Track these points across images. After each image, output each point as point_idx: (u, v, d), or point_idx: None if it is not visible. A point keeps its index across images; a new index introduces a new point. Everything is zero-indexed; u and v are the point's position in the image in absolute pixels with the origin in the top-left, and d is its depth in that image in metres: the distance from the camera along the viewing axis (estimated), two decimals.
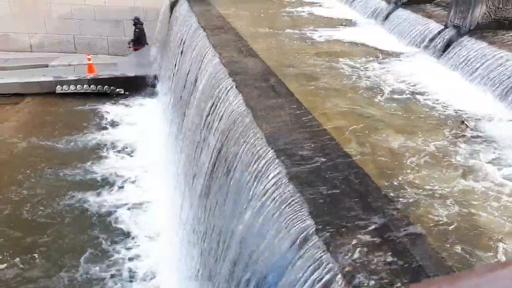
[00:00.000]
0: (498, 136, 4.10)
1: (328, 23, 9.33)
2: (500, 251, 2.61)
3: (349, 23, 9.42)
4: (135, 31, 14.18)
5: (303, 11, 10.77)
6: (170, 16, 12.29)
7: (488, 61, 5.34)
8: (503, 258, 2.54)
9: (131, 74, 12.52)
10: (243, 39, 7.86)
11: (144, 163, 9.03)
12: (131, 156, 9.48)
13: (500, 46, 5.54)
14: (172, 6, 12.34)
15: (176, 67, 9.57)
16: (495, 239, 2.70)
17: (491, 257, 2.53)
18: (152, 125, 10.39)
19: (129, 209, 7.68)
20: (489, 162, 3.63)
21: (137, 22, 14.14)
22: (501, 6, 5.97)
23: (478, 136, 4.14)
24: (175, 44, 10.47)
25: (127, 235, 7.10)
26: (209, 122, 5.94)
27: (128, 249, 6.78)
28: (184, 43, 9.40)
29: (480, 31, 6.07)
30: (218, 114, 5.57)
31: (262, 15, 10.30)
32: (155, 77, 12.14)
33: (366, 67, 6.29)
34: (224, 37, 8.10)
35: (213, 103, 5.95)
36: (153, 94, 12.00)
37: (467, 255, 2.54)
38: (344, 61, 6.54)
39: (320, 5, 11.68)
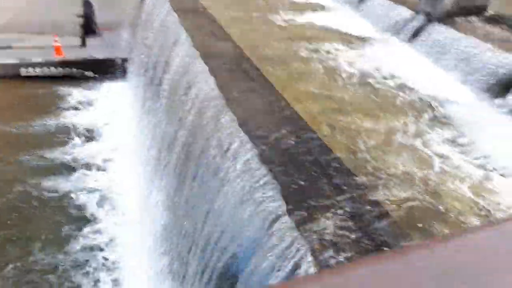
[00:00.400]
0: (460, 118, 4.25)
1: (303, 8, 9.30)
2: (458, 224, 2.73)
3: (324, 8, 9.43)
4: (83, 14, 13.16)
5: None
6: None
7: (456, 46, 5.49)
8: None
9: (100, 56, 12.15)
10: (217, 23, 7.75)
11: (113, 147, 8.85)
12: (97, 140, 9.26)
13: (467, 32, 5.70)
14: None
15: (148, 50, 9.35)
16: (453, 215, 2.82)
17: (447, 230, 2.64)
18: (122, 108, 10.17)
19: (91, 192, 7.49)
20: (451, 142, 3.77)
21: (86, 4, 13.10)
22: None
23: (442, 118, 4.28)
24: (146, 26, 10.21)
25: (92, 220, 6.94)
26: (182, 105, 5.86)
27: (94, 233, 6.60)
28: (156, 25, 9.18)
29: (449, 17, 6.21)
30: (191, 98, 5.51)
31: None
32: (125, 60, 11.83)
33: (339, 52, 6.34)
34: (197, 21, 7.95)
35: (185, 87, 5.88)
36: (123, 77, 11.71)
37: (429, 229, 2.65)
38: (318, 46, 6.56)
39: None
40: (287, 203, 2.81)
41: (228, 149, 3.84)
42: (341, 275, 0.59)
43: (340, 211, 2.75)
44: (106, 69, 11.74)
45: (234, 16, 8.30)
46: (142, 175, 7.26)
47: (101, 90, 11.41)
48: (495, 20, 6.08)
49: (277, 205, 2.86)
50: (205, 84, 5.24)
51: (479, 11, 6.25)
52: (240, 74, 5.31)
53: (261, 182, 3.18)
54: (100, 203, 7.31)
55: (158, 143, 6.65)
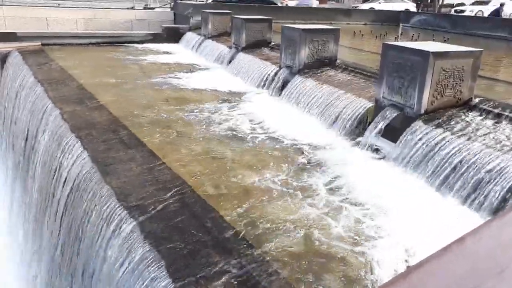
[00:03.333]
0: (329, 160, 4.65)
1: (176, 69, 9.51)
2: (343, 273, 2.87)
3: (196, 68, 9.77)
4: None
5: (151, 59, 10.80)
6: (1, 71, 10.97)
7: (315, 95, 6.11)
8: (350, 281, 2.80)
9: None
10: (87, 91, 7.44)
11: None
12: None
13: (323, 81, 6.41)
14: (3, 60, 11.07)
15: (11, 126, 8.46)
16: (338, 260, 2.97)
17: (338, 280, 2.75)
18: None
19: None
20: (325, 186, 4.06)
21: None
22: (320, 47, 6.96)
23: (314, 163, 4.62)
24: (7, 100, 9.32)
25: None
26: (56, 184, 5.33)
27: None
28: (19, 98, 8.43)
29: (307, 69, 6.93)
30: (64, 175, 5.05)
31: (107, 64, 9.96)
32: None
33: (216, 111, 6.54)
34: (65, 90, 7.54)
35: (57, 164, 5.39)
36: None
37: (318, 281, 2.72)
38: (195, 107, 6.69)
39: (168, 53, 11.91)
40: (174, 280, 2.64)
41: (107, 226, 3.54)
42: None
43: (230, 276, 2.67)
44: None
45: (107, 83, 8.08)
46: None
47: None
48: (342, 68, 6.97)
49: (165, 284, 2.67)
50: (78, 157, 4.88)
51: (331, 61, 7.10)
52: (116, 143, 5.07)
53: (146, 260, 2.97)
54: None
55: (31, 230, 5.87)
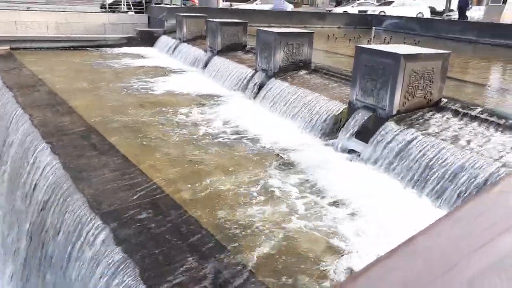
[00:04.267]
0: (304, 162, 4.69)
1: (151, 73, 9.40)
2: (320, 272, 2.89)
3: (172, 72, 9.69)
4: None
5: (126, 63, 10.65)
6: None
7: (291, 97, 6.16)
8: (326, 279, 2.82)
9: None
10: (59, 96, 7.26)
11: None
12: None
13: (298, 84, 6.47)
14: None
15: None
16: (313, 261, 2.99)
17: (311, 281, 2.77)
18: None
19: None
20: (299, 186, 4.09)
21: None
22: (294, 51, 7.02)
23: (289, 165, 4.66)
24: None
25: None
26: (26, 193, 5.17)
27: None
28: None
29: (283, 72, 6.98)
30: (34, 184, 4.90)
31: (80, 69, 9.75)
32: None
33: (192, 114, 6.49)
34: (36, 96, 7.34)
35: (28, 172, 5.23)
36: None
37: (294, 282, 2.73)
38: (170, 110, 6.63)
39: (143, 57, 11.77)
40: (149, 287, 2.60)
41: (79, 237, 3.46)
42: None
43: (206, 281, 2.65)
44: None
45: (78, 88, 7.91)
46: None
47: None
48: (316, 71, 7.05)
49: None
50: (48, 165, 4.75)
51: (305, 64, 7.17)
52: (89, 150, 4.97)
53: (120, 268, 2.91)
54: None
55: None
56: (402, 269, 0.61)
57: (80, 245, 3.44)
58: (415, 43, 10.96)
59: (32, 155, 5.24)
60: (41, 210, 4.36)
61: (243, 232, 3.30)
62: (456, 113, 4.75)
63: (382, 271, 0.60)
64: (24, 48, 11.67)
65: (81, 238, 3.50)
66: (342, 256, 3.06)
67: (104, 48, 12.73)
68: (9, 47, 11.41)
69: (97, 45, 12.78)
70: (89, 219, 3.53)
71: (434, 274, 0.59)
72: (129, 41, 13.27)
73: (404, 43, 10.53)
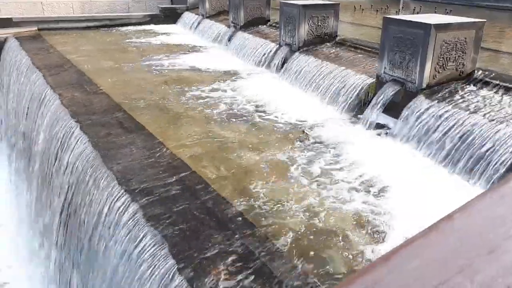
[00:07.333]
0: (331, 138, 4.61)
1: (174, 51, 9.38)
2: (349, 251, 2.87)
3: (195, 49, 9.64)
4: None
5: (150, 41, 10.66)
6: None
7: (316, 72, 6.02)
8: (352, 257, 2.81)
9: None
10: (86, 76, 7.37)
11: None
12: None
13: (323, 58, 6.30)
14: (1, 46, 10.98)
15: (11, 113, 8.44)
16: (341, 238, 2.97)
17: (340, 258, 2.76)
18: None
19: None
20: (327, 164, 4.04)
21: None
22: (319, 24, 6.82)
23: (316, 141, 4.59)
24: (6, 86, 9.27)
25: None
26: (56, 171, 5.34)
27: None
28: (17, 85, 8.38)
29: (307, 46, 6.81)
30: (65, 162, 5.05)
31: (105, 48, 9.84)
32: None
33: (216, 91, 6.47)
34: (64, 76, 7.48)
35: (57, 150, 5.39)
36: None
37: (321, 260, 2.73)
38: (195, 88, 6.62)
39: (166, 34, 11.73)
40: (177, 261, 2.66)
41: (109, 213, 3.55)
42: None
43: (233, 257, 2.69)
44: None
45: (104, 67, 8.00)
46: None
47: None
48: (342, 44, 6.84)
49: (168, 265, 2.69)
50: (79, 143, 4.87)
51: (331, 38, 6.97)
52: (116, 128, 5.05)
53: (150, 242, 2.98)
54: None
55: (34, 217, 5.92)
56: (436, 249, 0.57)
57: (111, 221, 3.54)
58: (447, 12, 10.44)
59: (62, 134, 5.38)
60: (71, 189, 4.51)
61: (271, 209, 3.31)
62: (491, 85, 4.53)
63: (415, 250, 0.57)
64: (51, 29, 11.84)
65: (111, 215, 3.60)
66: (377, 237, 3.02)
67: (128, 27, 12.76)
68: (36, 28, 11.60)
69: (121, 23, 12.82)
70: (118, 195, 3.62)
71: (469, 256, 0.55)
72: (153, 19, 13.24)
73: (435, 12, 10.04)
